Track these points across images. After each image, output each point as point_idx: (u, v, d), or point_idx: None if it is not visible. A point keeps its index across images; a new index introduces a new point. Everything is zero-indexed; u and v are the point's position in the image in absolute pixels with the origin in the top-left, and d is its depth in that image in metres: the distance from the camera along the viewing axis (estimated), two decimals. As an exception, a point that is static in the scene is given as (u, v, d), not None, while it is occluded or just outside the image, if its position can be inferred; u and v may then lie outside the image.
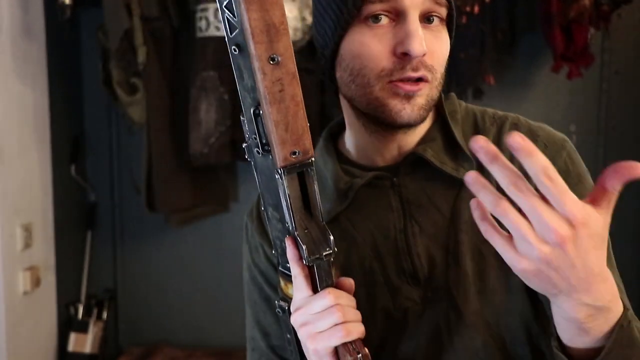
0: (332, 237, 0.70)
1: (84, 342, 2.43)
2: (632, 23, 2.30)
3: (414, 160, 0.85)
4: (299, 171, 0.68)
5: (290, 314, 0.76)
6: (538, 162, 0.54)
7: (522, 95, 2.34)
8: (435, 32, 0.79)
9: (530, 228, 0.55)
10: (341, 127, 0.93)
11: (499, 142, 0.83)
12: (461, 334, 0.79)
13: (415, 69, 0.77)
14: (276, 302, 0.81)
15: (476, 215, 0.58)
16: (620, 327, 0.65)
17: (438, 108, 0.90)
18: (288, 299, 0.78)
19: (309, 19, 2.07)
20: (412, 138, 0.86)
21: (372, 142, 0.86)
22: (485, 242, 0.58)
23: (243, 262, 0.97)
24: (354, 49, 0.80)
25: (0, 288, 2.06)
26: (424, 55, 0.77)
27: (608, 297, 0.61)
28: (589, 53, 2.08)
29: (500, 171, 0.55)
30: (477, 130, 0.87)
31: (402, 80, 0.78)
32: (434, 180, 0.85)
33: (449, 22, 0.82)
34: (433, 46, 0.78)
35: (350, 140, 0.90)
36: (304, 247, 0.69)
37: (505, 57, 2.19)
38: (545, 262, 0.56)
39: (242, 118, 0.70)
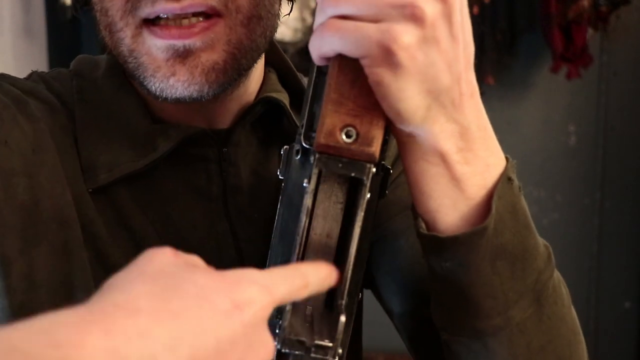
0: (341, 326, 0.38)
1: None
2: (631, 24, 2.31)
3: (257, 119, 0.55)
4: (345, 175, 0.38)
5: None
6: None
7: (521, 95, 2.35)
8: None
9: None
10: None
11: None
12: None
13: None
14: None
15: None
16: (508, 181, 0.42)
17: (267, 55, 0.59)
18: None
19: (309, 20, 2.08)
20: (237, 97, 0.54)
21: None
22: None
23: None
24: None
25: (1, 288, 2.07)
26: None
27: (480, 120, 0.41)
28: (587, 54, 2.09)
29: None
30: None
31: (158, 22, 0.46)
32: (272, 156, 0.56)
33: None
34: None
35: None
36: (285, 318, 0.38)
37: (505, 58, 2.20)
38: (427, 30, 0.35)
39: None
